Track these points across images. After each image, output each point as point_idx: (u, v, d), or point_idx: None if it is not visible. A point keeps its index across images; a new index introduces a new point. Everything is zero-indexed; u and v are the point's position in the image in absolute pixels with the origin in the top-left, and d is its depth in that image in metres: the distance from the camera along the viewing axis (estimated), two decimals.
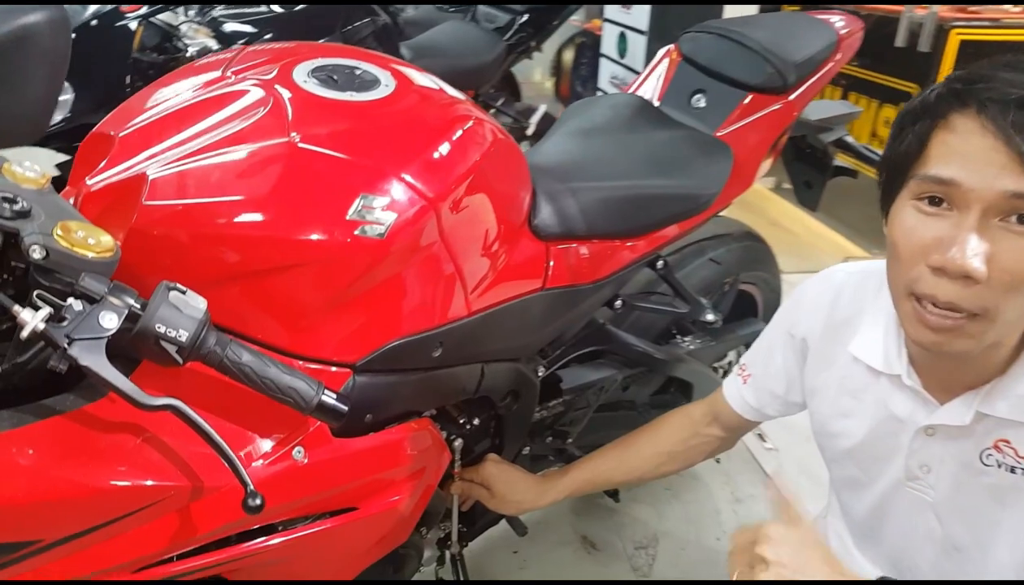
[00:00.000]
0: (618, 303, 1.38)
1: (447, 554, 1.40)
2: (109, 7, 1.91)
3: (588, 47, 4.52)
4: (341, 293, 0.86)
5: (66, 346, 0.68)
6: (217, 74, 0.98)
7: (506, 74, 3.92)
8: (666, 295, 1.48)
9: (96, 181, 0.84)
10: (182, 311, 0.73)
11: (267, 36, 2.20)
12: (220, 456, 0.75)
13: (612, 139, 1.38)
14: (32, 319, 0.68)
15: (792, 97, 1.40)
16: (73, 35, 1.98)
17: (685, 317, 1.47)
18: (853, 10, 1.65)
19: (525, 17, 2.91)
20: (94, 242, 0.74)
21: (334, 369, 0.89)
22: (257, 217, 0.81)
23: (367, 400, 0.93)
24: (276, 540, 0.90)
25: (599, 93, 4.02)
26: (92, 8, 1.90)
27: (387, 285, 0.89)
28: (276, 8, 2.23)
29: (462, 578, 1.44)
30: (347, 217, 0.83)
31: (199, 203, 0.81)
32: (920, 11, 2.98)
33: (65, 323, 0.69)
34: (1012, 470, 0.85)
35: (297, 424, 0.86)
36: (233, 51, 1.05)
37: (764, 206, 3.88)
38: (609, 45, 3.23)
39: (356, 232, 0.83)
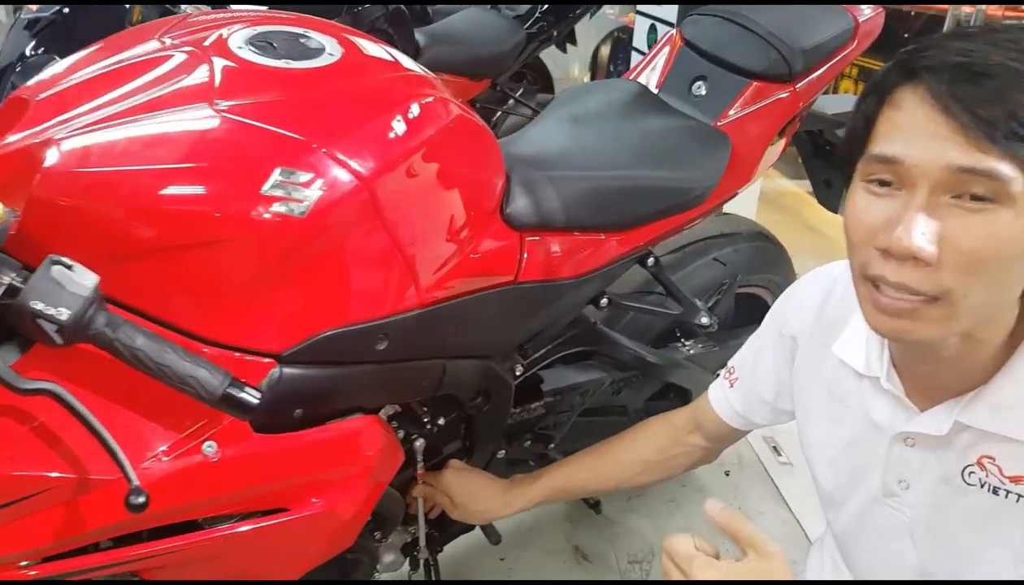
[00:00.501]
0: (604, 301, 1.29)
1: (420, 558, 1.33)
2: None
3: (625, 42, 4.42)
4: (259, 276, 0.79)
5: None
6: (152, 39, 0.92)
7: (539, 67, 3.84)
8: (660, 295, 1.38)
9: (10, 144, 0.78)
10: (65, 287, 0.67)
11: None
12: (104, 447, 0.68)
13: (601, 127, 1.29)
14: None
15: (799, 86, 1.29)
16: (67, 9, 1.97)
17: (679, 319, 1.37)
18: (906, 10, 1.53)
19: (546, 6, 2.83)
20: None
21: (254, 359, 0.82)
22: (165, 189, 0.75)
23: (296, 394, 0.86)
24: (196, 539, 0.83)
25: None
26: None
27: (315, 269, 0.82)
28: None
29: (434, 579, 1.37)
30: (261, 191, 0.76)
31: (103, 171, 0.74)
32: (968, 9, 2.82)
33: None
34: (995, 491, 0.76)
35: (210, 417, 0.80)
36: (176, 17, 0.99)
37: (799, 208, 3.74)
38: (640, 38, 3.14)
39: (272, 208, 0.76)
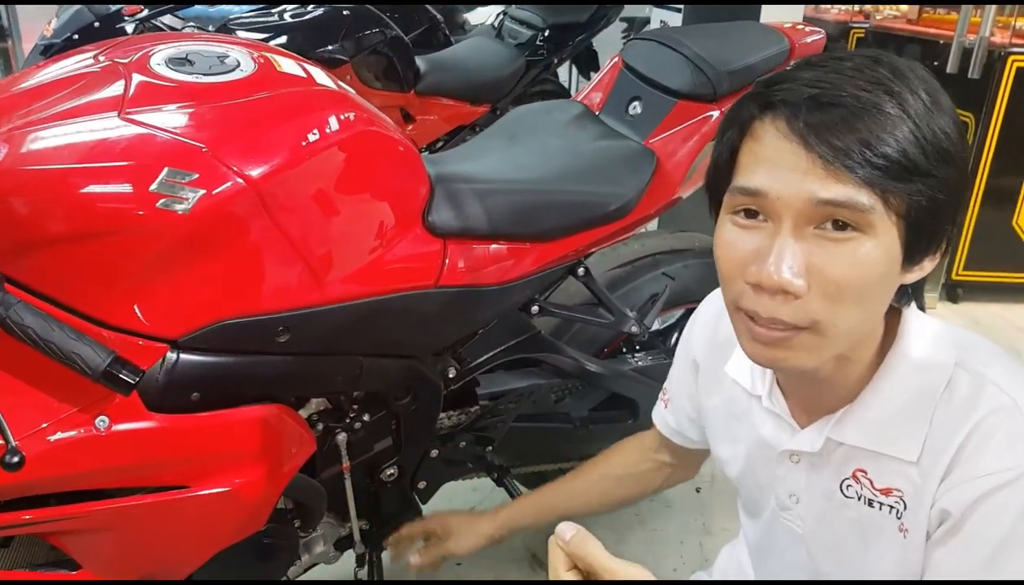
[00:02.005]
0: (535, 308, 1.34)
1: (366, 555, 1.39)
2: (114, 8, 2.02)
3: None
4: (149, 266, 0.87)
5: None
6: (88, 57, 1.02)
7: (560, 93, 3.93)
8: (594, 305, 1.42)
9: None
10: None
11: (274, 44, 2.28)
12: None
13: (534, 144, 1.35)
14: None
15: (725, 107, 1.34)
16: (76, 36, 2.11)
17: (610, 328, 1.41)
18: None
19: (546, 33, 2.92)
20: None
21: (149, 343, 0.90)
22: (64, 184, 0.84)
23: (193, 378, 0.94)
24: (96, 507, 0.91)
25: None
26: (97, 9, 2.03)
27: (204, 262, 0.90)
28: (287, 16, 2.32)
29: (376, 579, 1.42)
30: (149, 189, 0.84)
31: (13, 169, 0.84)
32: (971, 36, 2.80)
33: None
34: (870, 503, 0.79)
35: (105, 394, 0.88)
36: (119, 40, 1.09)
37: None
38: None
39: (158, 205, 0.84)
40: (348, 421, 1.20)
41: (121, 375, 0.81)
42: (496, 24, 3.16)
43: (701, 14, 2.43)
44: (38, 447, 0.83)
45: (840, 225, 0.65)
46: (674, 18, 2.36)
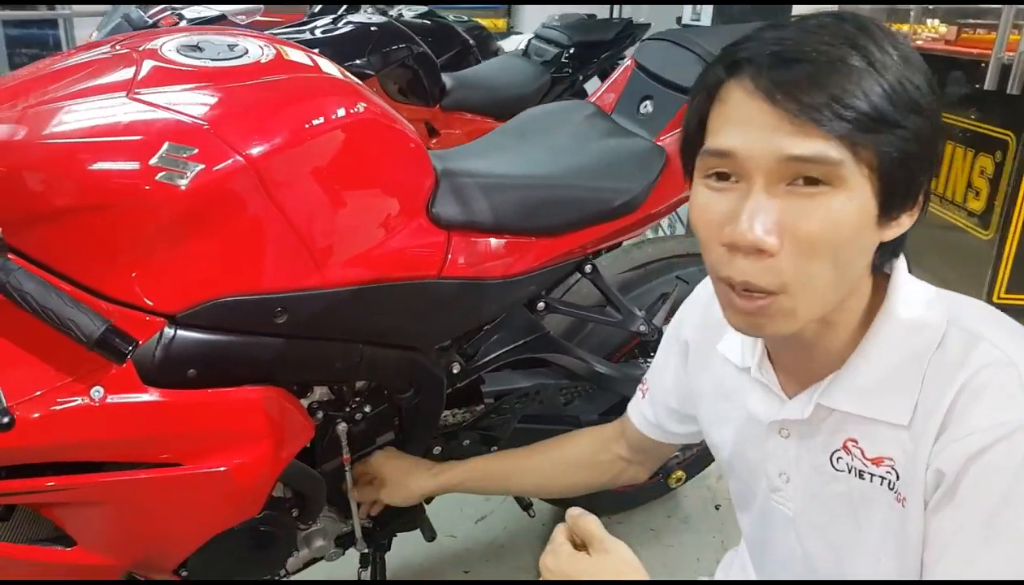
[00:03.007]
0: (541, 305, 1.33)
1: (359, 551, 1.38)
2: (151, 22, 2.09)
3: None
4: (148, 239, 0.89)
5: None
6: (106, 46, 1.05)
7: None
8: (602, 305, 1.41)
9: None
10: None
11: None
12: None
13: (542, 141, 1.36)
14: None
15: None
16: None
17: (618, 327, 1.40)
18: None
19: (572, 51, 2.94)
20: None
21: (147, 316, 0.92)
22: (69, 157, 0.86)
23: (190, 354, 0.95)
24: (89, 479, 0.92)
25: None
26: (135, 21, 2.10)
27: (202, 237, 0.91)
28: (318, 32, 2.38)
29: (379, 579, 1.41)
30: (150, 163, 0.86)
31: (23, 142, 0.87)
32: (1009, 52, 2.76)
33: None
34: (860, 475, 0.77)
35: (100, 365, 0.89)
36: (141, 32, 1.12)
37: None
38: None
39: (157, 178, 0.86)
40: (349, 411, 1.20)
41: (115, 343, 0.82)
42: (524, 46, 3.21)
43: (729, 14, 2.41)
44: (32, 413, 0.85)
45: (811, 180, 0.64)
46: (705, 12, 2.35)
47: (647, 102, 1.40)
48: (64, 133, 0.88)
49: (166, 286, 0.92)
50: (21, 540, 1.00)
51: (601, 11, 3.85)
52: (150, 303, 0.92)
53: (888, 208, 0.67)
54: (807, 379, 0.80)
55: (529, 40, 3.24)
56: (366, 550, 1.37)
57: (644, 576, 0.76)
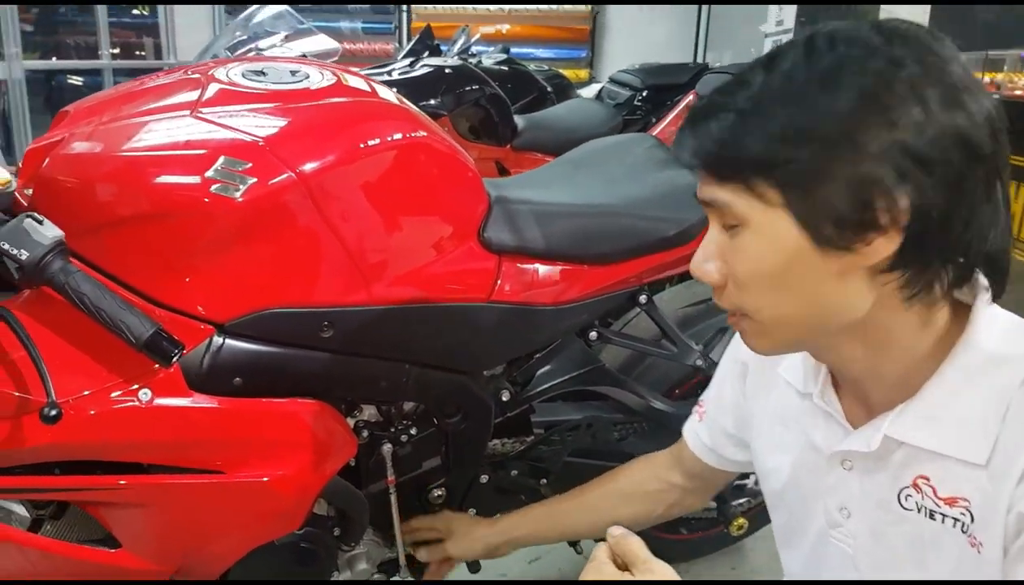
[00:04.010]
0: (593, 334, 1.32)
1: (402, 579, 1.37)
2: None
3: None
4: (201, 249, 0.92)
5: None
6: (180, 72, 1.11)
7: None
8: (658, 338, 1.39)
9: (35, 144, 0.99)
10: (31, 235, 0.83)
11: None
12: (35, 366, 0.82)
13: (597, 171, 1.36)
14: None
15: None
16: None
17: (674, 360, 1.36)
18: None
19: (644, 94, 2.95)
20: None
21: (194, 324, 0.95)
22: (132, 169, 0.91)
23: (236, 363, 0.97)
24: (132, 480, 0.95)
25: None
26: None
27: (253, 248, 0.94)
28: (395, 73, 2.46)
29: None
30: (206, 175, 0.90)
31: (90, 154, 0.92)
32: None
33: None
34: (931, 515, 0.72)
35: (149, 368, 0.92)
36: (212, 61, 1.19)
37: None
38: None
39: (212, 189, 0.90)
40: (395, 432, 1.20)
41: (163, 346, 0.85)
42: (598, 90, 3.24)
43: (814, 15, 2.37)
44: (81, 411, 0.88)
45: (728, 223, 0.69)
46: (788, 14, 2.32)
47: None
48: (130, 147, 0.93)
49: (216, 295, 0.95)
50: (71, 540, 1.03)
51: (685, 52, 3.86)
52: (200, 311, 0.95)
53: (825, 240, 0.64)
54: (873, 409, 0.76)
55: (603, 85, 3.28)
56: (410, 579, 1.36)
57: None
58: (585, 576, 0.77)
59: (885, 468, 0.75)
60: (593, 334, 1.32)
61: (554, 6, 6.17)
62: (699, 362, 1.34)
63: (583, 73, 6.55)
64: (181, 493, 0.97)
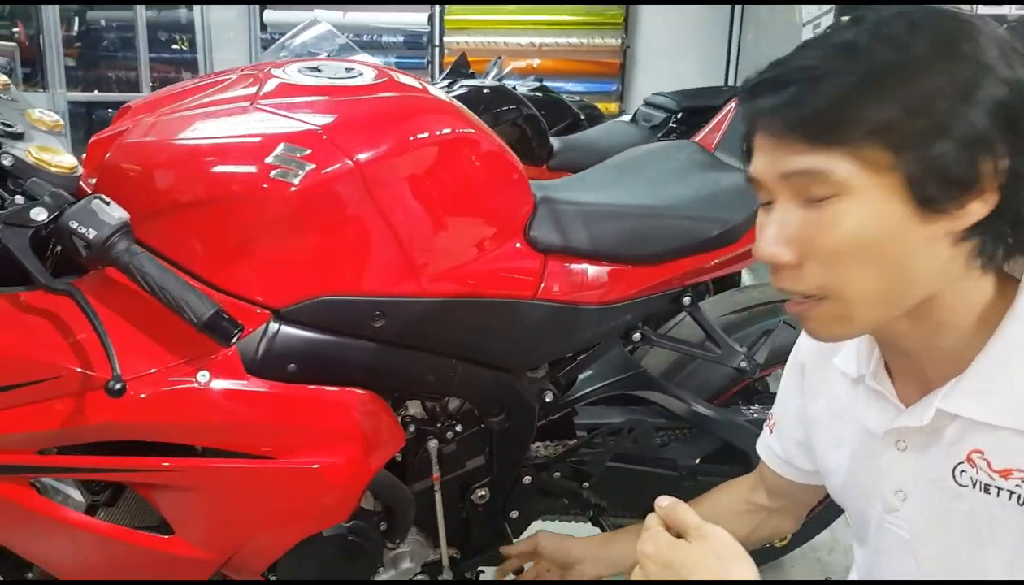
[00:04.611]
0: (636, 336, 1.32)
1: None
2: None
3: None
4: (259, 234, 0.95)
5: None
6: (239, 69, 1.15)
7: None
8: (702, 341, 1.38)
9: (98, 136, 1.03)
10: (98, 215, 0.86)
11: None
12: (101, 343, 0.84)
13: (642, 174, 1.37)
14: None
15: None
16: None
17: (718, 362, 1.36)
18: None
19: (679, 116, 2.96)
20: (56, 161, 0.90)
21: (252, 308, 0.97)
22: (194, 156, 0.94)
23: (291, 348, 0.99)
24: (183, 463, 0.96)
25: None
26: None
27: (309, 234, 0.97)
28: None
29: None
30: (266, 161, 0.93)
31: (151, 142, 0.95)
32: None
33: (4, 212, 0.85)
34: (986, 489, 0.71)
35: (208, 349, 0.94)
36: (266, 62, 1.23)
37: None
38: None
39: (271, 174, 0.93)
40: (440, 428, 1.21)
41: (222, 325, 0.87)
42: (633, 113, 3.27)
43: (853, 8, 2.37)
44: (141, 390, 0.90)
45: (818, 194, 0.66)
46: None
47: None
48: (191, 136, 0.96)
49: (273, 281, 0.97)
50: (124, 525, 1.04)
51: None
52: (257, 296, 0.97)
53: (928, 202, 0.64)
54: (925, 386, 0.75)
55: (638, 107, 3.30)
56: (451, 577, 1.35)
57: (746, 559, 0.72)
58: (642, 546, 0.78)
59: (939, 444, 0.74)
60: (637, 335, 1.32)
61: (584, 40, 6.25)
62: (743, 364, 1.33)
63: (613, 106, 6.59)
64: (232, 477, 0.98)
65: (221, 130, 0.96)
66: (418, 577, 1.32)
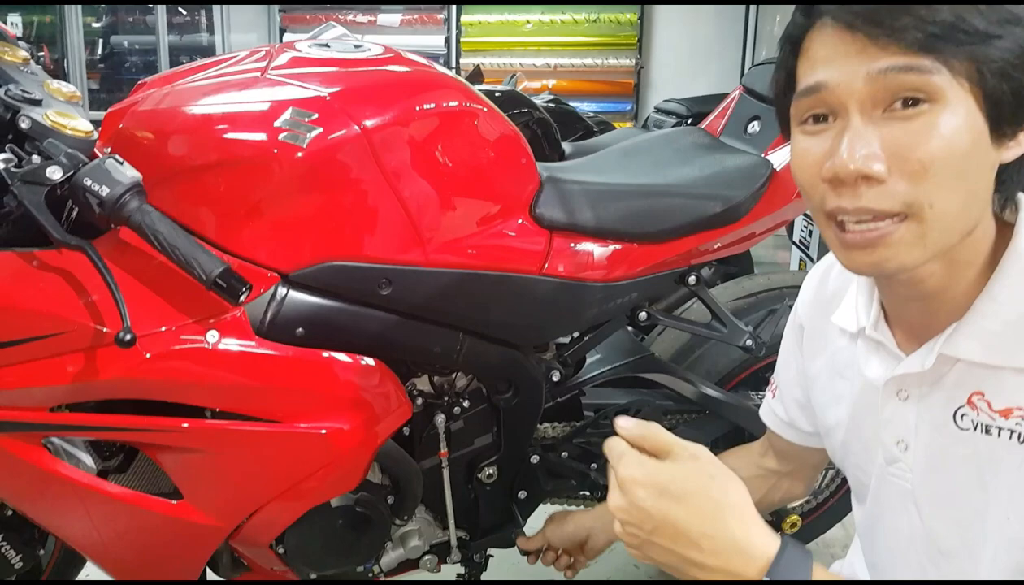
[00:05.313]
0: (643, 315, 1.32)
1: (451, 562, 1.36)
2: None
3: None
4: (268, 196, 0.97)
5: (11, 183, 0.86)
6: (252, 48, 1.18)
7: None
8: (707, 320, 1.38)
9: (113, 108, 1.05)
10: (111, 174, 0.88)
11: None
12: (112, 297, 0.86)
13: (646, 155, 1.38)
14: None
15: None
16: None
17: (723, 341, 1.36)
18: None
19: (689, 121, 2.98)
20: (73, 125, 0.93)
21: (261, 271, 0.99)
22: (201, 119, 0.97)
23: (299, 312, 1.01)
24: (192, 424, 0.98)
25: None
26: None
27: (316, 198, 0.99)
28: None
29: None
30: (275, 124, 0.95)
31: (162, 109, 0.98)
32: None
33: (21, 170, 0.87)
34: (987, 430, 0.70)
35: (218, 310, 0.96)
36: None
37: None
38: None
39: (280, 137, 0.95)
40: (447, 402, 1.22)
41: (231, 283, 0.89)
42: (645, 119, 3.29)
43: None
44: (151, 347, 0.92)
45: (909, 102, 0.62)
46: None
47: (755, 122, 1.41)
48: (202, 102, 0.99)
49: (281, 244, 0.99)
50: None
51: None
52: (266, 260, 0.99)
53: (999, 124, 0.64)
54: (925, 335, 0.75)
55: (649, 114, 3.32)
56: (459, 559, 1.35)
57: (737, 479, 0.70)
58: (625, 471, 0.69)
59: (940, 390, 0.74)
60: (643, 315, 1.32)
61: (599, 60, 6.31)
62: (748, 342, 1.33)
63: (627, 125, 6.66)
64: (240, 440, 1.00)
65: (232, 97, 0.99)
66: (426, 557, 1.32)
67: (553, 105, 3.47)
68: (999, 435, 0.69)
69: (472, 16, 6.02)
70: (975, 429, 0.71)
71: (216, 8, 5.86)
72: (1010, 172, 0.68)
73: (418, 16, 5.95)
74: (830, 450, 0.95)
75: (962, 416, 0.72)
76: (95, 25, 5.98)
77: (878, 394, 0.80)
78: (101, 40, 5.99)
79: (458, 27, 5.94)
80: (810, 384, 0.97)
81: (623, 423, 0.71)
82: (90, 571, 1.40)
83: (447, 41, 5.86)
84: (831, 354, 0.91)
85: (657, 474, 0.68)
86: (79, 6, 5.63)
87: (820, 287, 0.95)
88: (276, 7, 5.80)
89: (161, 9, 5.74)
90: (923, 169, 0.62)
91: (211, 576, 1.24)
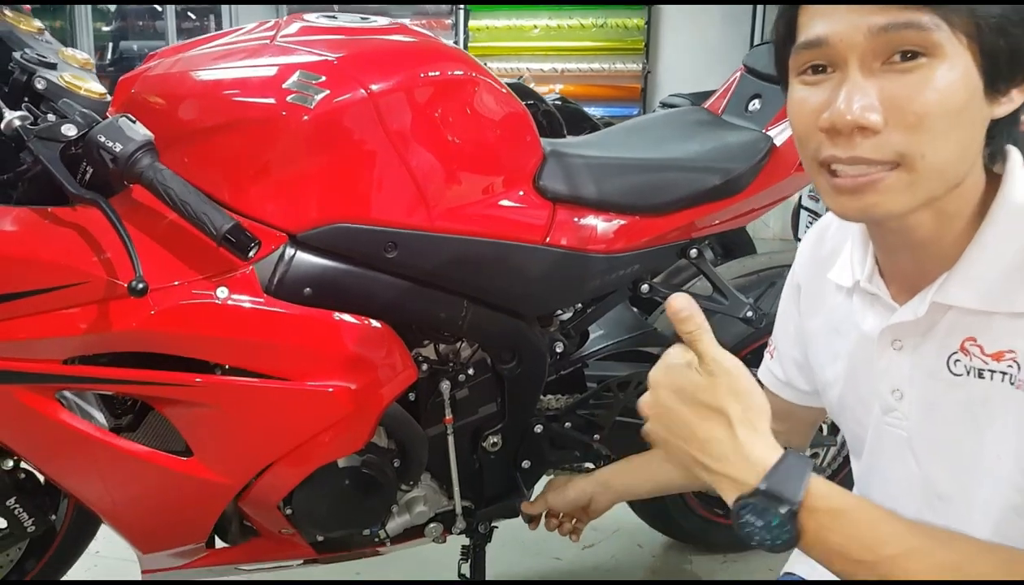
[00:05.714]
0: (644, 287, 1.34)
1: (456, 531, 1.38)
2: None
3: None
4: (276, 157, 1.00)
5: (27, 140, 0.89)
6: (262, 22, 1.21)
7: None
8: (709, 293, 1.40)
9: (126, 76, 1.08)
10: (124, 132, 0.91)
11: None
12: (125, 249, 0.89)
13: (648, 133, 1.41)
14: (9, 116, 0.89)
15: None
16: None
17: (724, 313, 1.38)
18: None
19: None
20: (87, 86, 0.96)
21: (270, 231, 1.01)
22: (212, 82, 1.00)
23: (307, 273, 1.03)
24: (202, 379, 1.00)
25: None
26: None
27: (323, 159, 1.01)
28: None
29: (476, 577, 1.41)
30: (283, 86, 0.98)
31: (173, 73, 1.01)
32: None
33: (37, 128, 0.90)
34: (980, 374, 0.72)
35: (228, 267, 0.98)
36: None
37: None
38: None
39: (288, 99, 0.98)
40: (452, 370, 1.24)
41: (241, 238, 0.91)
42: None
43: None
44: (162, 302, 0.94)
45: (908, 55, 0.64)
46: None
47: (756, 100, 1.43)
48: (213, 66, 1.02)
49: (290, 204, 1.02)
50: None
51: None
52: (275, 220, 1.01)
53: (994, 80, 0.66)
54: (919, 284, 0.76)
55: (655, 108, 3.35)
56: (464, 528, 1.36)
57: (765, 409, 0.70)
58: (656, 373, 0.72)
59: (933, 338, 0.75)
60: (645, 287, 1.34)
61: (606, 65, 6.34)
62: (749, 313, 1.35)
63: None
64: (249, 396, 1.02)
65: (241, 62, 1.02)
66: (431, 525, 1.34)
67: (560, 103, 3.49)
68: (991, 378, 0.71)
69: (480, 21, 6.05)
70: (968, 374, 0.72)
71: (224, 13, 5.92)
72: (1001, 127, 0.70)
73: (426, 21, 5.99)
74: (828, 406, 0.96)
75: (955, 362, 0.74)
76: (105, 30, 6.03)
77: (873, 346, 0.82)
78: (111, 45, 6.04)
79: (466, 32, 5.97)
80: (808, 342, 0.99)
81: (676, 305, 0.68)
82: (77, 570, 1.43)
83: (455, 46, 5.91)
84: (828, 311, 0.92)
85: (680, 380, 0.70)
86: (89, 12, 5.70)
87: (817, 246, 0.97)
88: (284, 10, 5.86)
89: (170, 14, 5.80)
90: (919, 121, 0.64)
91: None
